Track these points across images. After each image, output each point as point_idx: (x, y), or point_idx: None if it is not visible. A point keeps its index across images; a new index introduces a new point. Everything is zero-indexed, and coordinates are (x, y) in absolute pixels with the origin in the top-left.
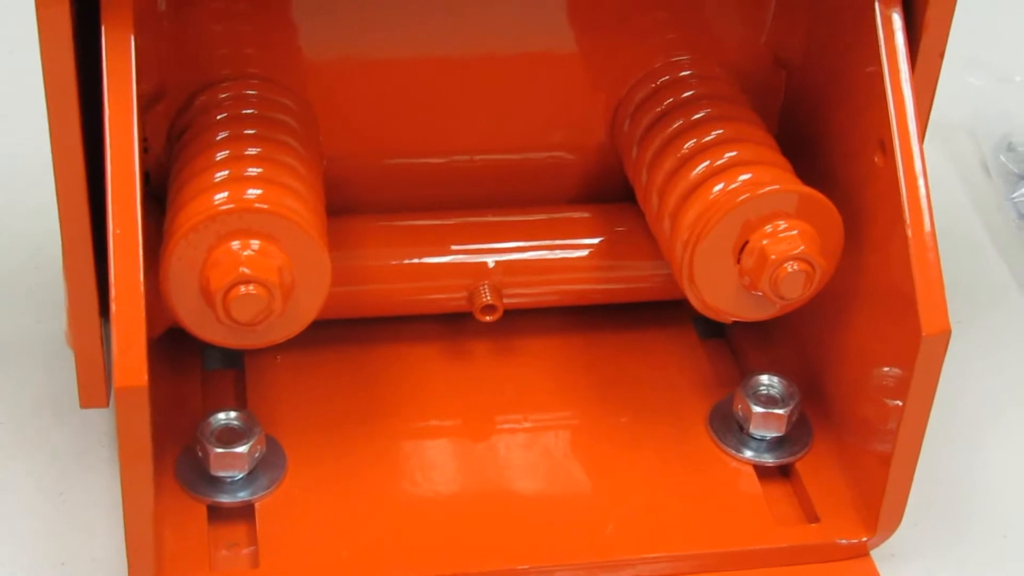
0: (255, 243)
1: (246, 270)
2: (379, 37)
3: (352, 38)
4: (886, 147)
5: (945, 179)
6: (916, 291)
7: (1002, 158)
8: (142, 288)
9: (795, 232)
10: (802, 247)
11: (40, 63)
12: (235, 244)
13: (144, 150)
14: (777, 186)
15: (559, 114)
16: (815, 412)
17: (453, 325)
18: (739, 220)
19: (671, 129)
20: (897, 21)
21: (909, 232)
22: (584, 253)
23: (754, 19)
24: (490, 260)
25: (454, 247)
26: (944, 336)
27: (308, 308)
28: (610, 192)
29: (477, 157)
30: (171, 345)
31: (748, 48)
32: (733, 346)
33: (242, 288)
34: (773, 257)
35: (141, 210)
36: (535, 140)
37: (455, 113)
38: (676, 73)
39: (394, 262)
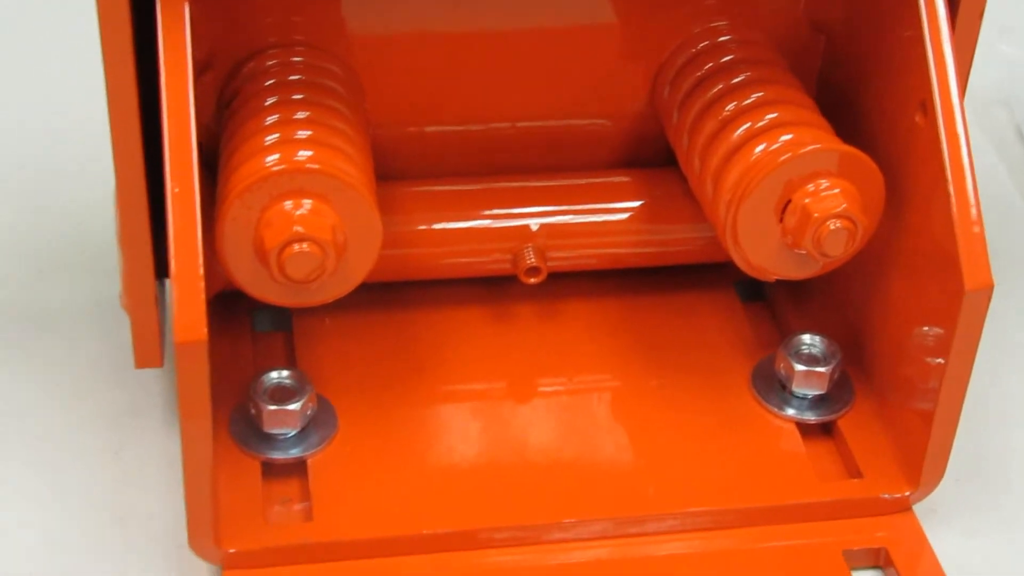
0: (307, 203)
1: (300, 228)
2: (422, 5)
3: (396, 6)
4: (927, 107)
5: (980, 147)
6: (958, 247)
7: None
8: (200, 244)
9: (837, 190)
10: (844, 204)
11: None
12: (288, 204)
13: None
14: (818, 145)
15: (599, 81)
16: (856, 371)
17: (496, 289)
18: (781, 179)
19: (711, 93)
20: None
21: (951, 188)
22: (626, 216)
23: None
24: (533, 223)
25: (497, 211)
26: (987, 291)
27: (359, 267)
28: (650, 158)
29: (519, 124)
30: (221, 309)
31: (786, 14)
32: (774, 309)
33: (296, 246)
34: (816, 215)
35: (197, 170)
36: (576, 107)
37: (497, 81)
38: (715, 39)
39: (438, 226)
